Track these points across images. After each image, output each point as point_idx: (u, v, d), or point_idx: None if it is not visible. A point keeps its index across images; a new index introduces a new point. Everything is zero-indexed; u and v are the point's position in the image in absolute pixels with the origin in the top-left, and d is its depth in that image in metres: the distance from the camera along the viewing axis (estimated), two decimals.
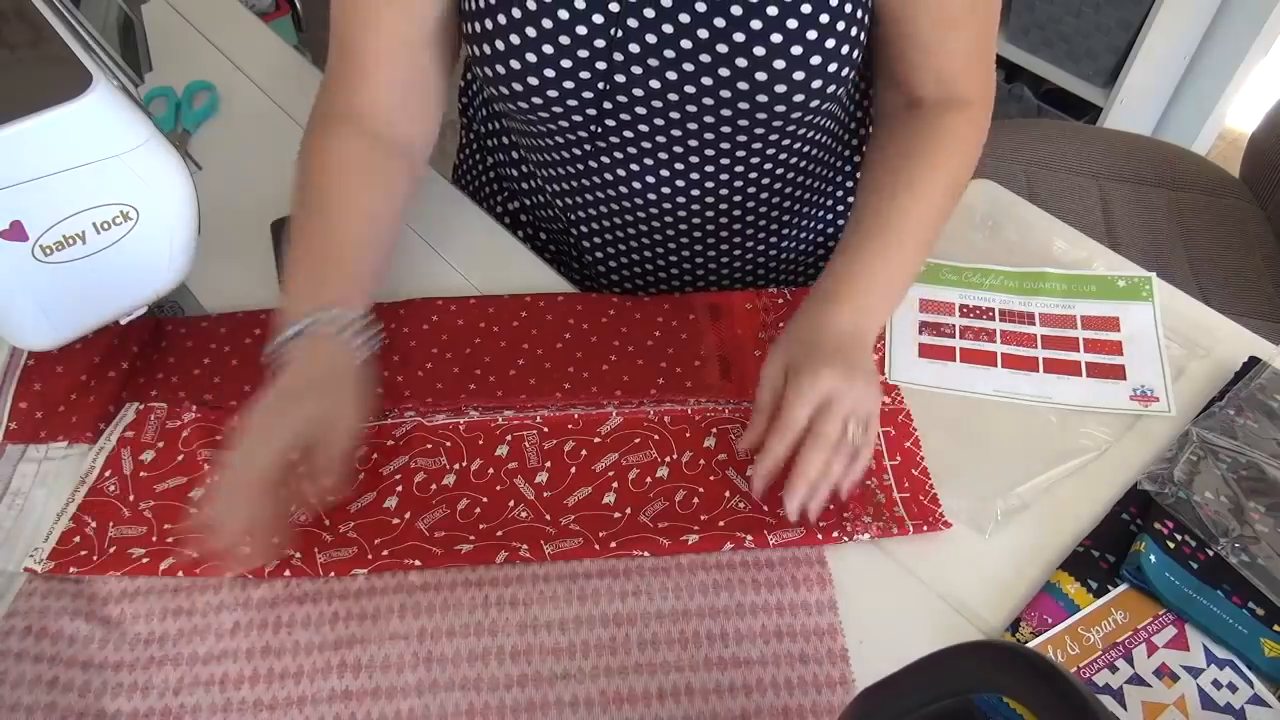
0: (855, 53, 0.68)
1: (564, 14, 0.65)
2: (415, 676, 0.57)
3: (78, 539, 0.62)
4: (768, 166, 0.76)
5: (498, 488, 0.66)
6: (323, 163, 0.72)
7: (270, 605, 0.60)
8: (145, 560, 0.61)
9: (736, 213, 0.80)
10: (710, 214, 0.79)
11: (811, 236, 0.90)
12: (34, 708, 0.55)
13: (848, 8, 0.65)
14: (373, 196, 0.72)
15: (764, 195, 0.79)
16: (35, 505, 0.65)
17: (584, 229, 0.84)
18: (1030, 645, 0.58)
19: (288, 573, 0.61)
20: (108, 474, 0.66)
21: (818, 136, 0.77)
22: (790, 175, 0.79)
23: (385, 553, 0.62)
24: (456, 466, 0.67)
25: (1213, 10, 1.93)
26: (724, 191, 0.77)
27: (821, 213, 0.88)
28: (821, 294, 0.67)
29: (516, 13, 0.65)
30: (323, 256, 0.68)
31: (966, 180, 0.73)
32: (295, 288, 0.66)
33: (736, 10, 0.64)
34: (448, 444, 0.68)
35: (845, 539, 0.63)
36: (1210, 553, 0.62)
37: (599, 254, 0.85)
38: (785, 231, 0.85)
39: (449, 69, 0.76)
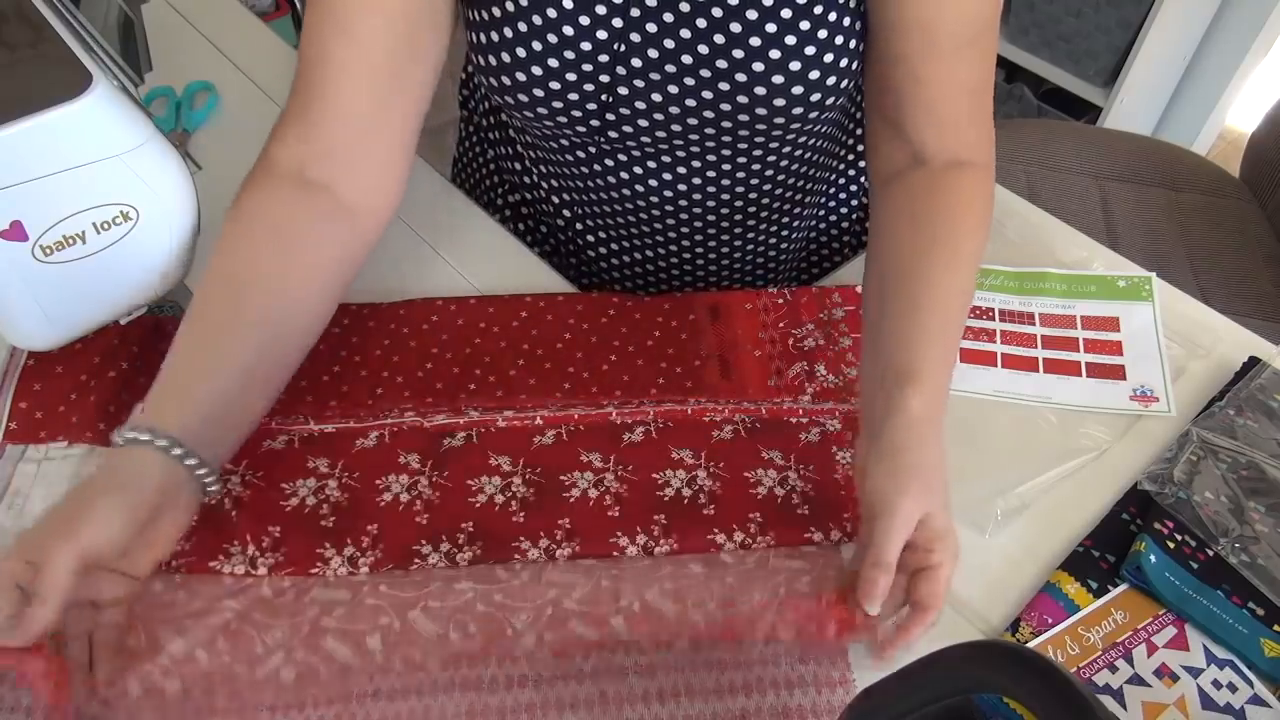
0: (855, 64, 0.68)
1: (569, 30, 0.65)
2: (414, 677, 0.57)
3: None
4: (769, 173, 0.77)
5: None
6: (241, 234, 0.64)
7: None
8: None
9: (738, 216, 0.80)
10: (712, 215, 0.79)
11: (811, 233, 0.90)
12: (34, 708, 0.55)
13: (846, 20, 0.65)
14: (285, 286, 0.64)
15: (766, 196, 0.79)
16: (35, 505, 0.65)
17: (584, 225, 0.84)
18: (1030, 645, 0.58)
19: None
20: None
21: (819, 143, 0.78)
22: (792, 179, 0.79)
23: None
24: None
25: (1213, 10, 1.93)
26: (725, 196, 0.77)
27: (821, 209, 0.89)
28: (913, 414, 0.58)
29: (522, 26, 0.66)
30: (197, 370, 0.60)
31: (984, 248, 0.69)
32: (161, 388, 0.59)
33: (736, 27, 0.64)
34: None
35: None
36: (1210, 553, 0.62)
37: (600, 250, 0.86)
38: (785, 233, 0.85)
39: (417, 125, 0.69)
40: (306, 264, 0.65)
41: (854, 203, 0.90)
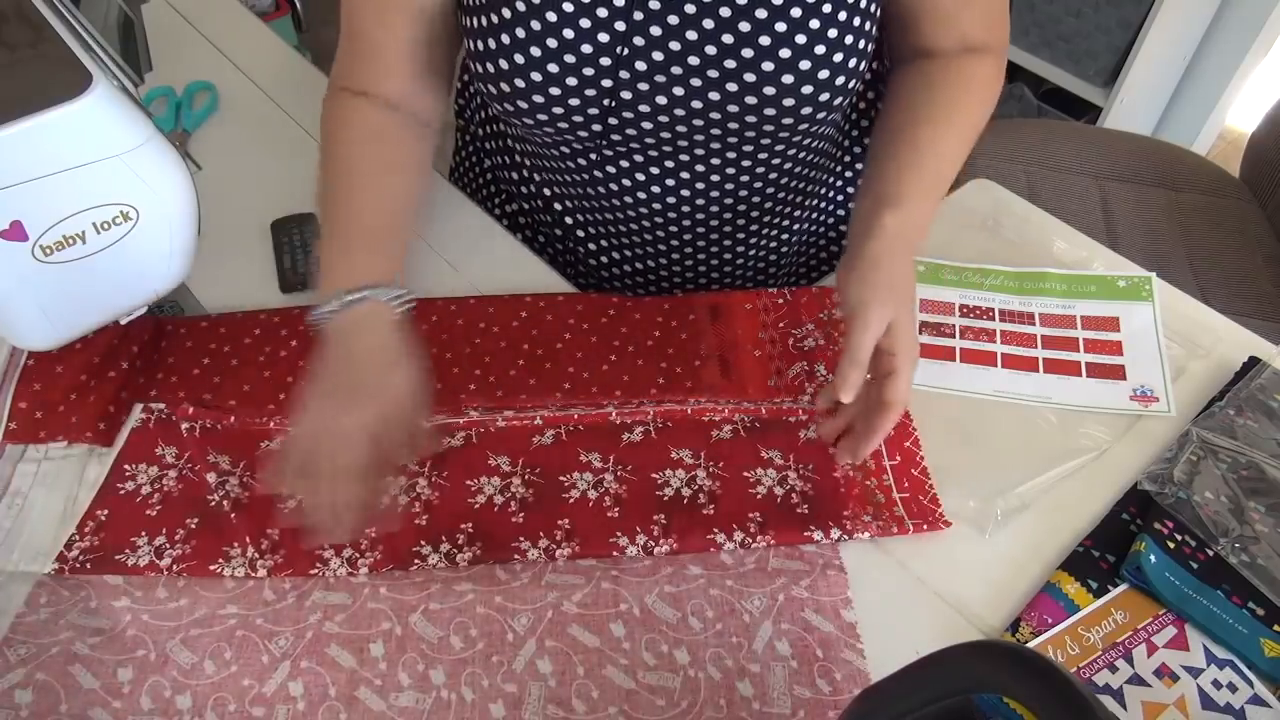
0: (863, 64, 0.68)
1: (569, 33, 0.65)
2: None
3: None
4: (770, 175, 0.77)
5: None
6: (345, 134, 0.74)
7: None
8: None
9: (739, 220, 0.80)
10: (714, 220, 0.79)
11: (809, 236, 0.90)
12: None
13: (856, 20, 0.65)
14: (394, 165, 0.74)
15: (768, 200, 0.79)
16: (35, 505, 0.65)
17: (584, 233, 0.84)
18: (1030, 645, 0.58)
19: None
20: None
21: (819, 144, 0.77)
22: (792, 180, 0.79)
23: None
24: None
25: (1213, 10, 1.93)
26: (727, 200, 0.77)
27: (820, 213, 0.89)
28: (887, 230, 0.65)
29: (521, 32, 0.66)
30: (352, 234, 0.70)
31: (983, 124, 0.74)
32: (330, 262, 0.68)
33: (745, 26, 0.64)
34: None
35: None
36: (1210, 553, 0.62)
37: (601, 258, 0.86)
38: (785, 236, 0.85)
39: (459, 47, 0.77)
40: (408, 158, 0.76)
41: (852, 205, 0.90)
